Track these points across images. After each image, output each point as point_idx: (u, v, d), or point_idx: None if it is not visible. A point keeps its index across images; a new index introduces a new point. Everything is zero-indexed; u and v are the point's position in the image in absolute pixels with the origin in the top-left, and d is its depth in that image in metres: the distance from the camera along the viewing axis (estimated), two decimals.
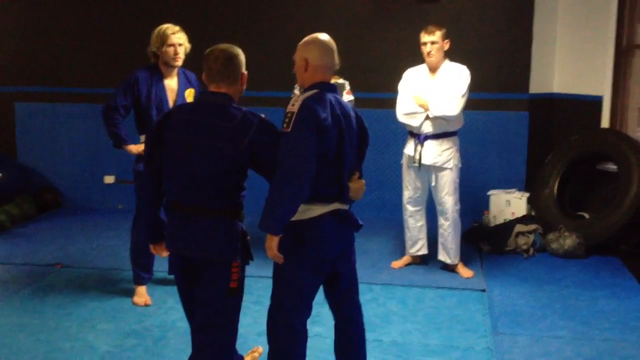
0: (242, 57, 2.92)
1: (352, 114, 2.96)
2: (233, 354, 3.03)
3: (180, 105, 3.17)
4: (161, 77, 4.41)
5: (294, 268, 2.84)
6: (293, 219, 2.77)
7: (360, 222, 3.01)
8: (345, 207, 2.94)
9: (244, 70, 2.92)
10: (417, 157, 4.88)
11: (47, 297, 4.60)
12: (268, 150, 2.76)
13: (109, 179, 7.15)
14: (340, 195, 2.87)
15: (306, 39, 2.95)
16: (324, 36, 2.96)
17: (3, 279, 4.98)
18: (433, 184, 4.97)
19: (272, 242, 2.74)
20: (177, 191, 2.84)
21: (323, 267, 2.91)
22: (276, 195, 2.68)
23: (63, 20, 7.08)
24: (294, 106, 2.75)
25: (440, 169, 4.90)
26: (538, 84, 6.51)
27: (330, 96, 2.84)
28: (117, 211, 7.01)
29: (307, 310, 2.93)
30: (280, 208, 2.68)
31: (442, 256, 5.12)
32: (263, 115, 2.85)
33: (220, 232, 2.81)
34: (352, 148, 2.93)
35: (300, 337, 2.91)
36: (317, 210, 2.82)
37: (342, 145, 2.83)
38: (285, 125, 2.73)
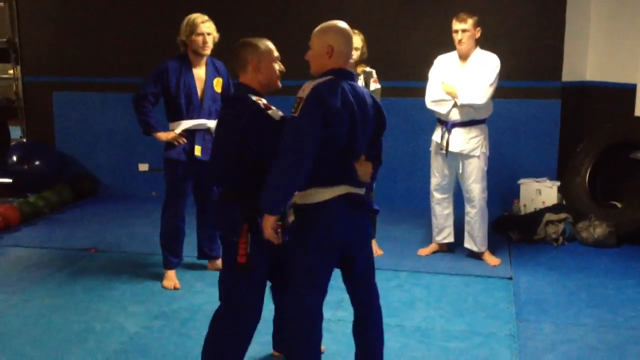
0: (251, 47, 3.02)
1: (369, 101, 2.98)
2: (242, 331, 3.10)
3: None
4: (190, 66, 4.49)
5: (303, 252, 2.89)
6: (301, 202, 2.83)
7: (376, 207, 3.04)
8: (358, 191, 2.95)
9: (251, 59, 3.00)
10: (445, 144, 4.89)
11: (80, 280, 4.75)
12: (258, 138, 2.86)
13: (143, 167, 7.30)
14: (347, 177, 2.89)
15: (325, 25, 2.95)
16: (343, 24, 2.97)
17: (39, 262, 5.15)
18: (460, 171, 4.97)
19: (268, 222, 2.79)
20: (211, 175, 3.08)
21: (333, 252, 2.93)
22: (275, 174, 2.73)
23: (98, 12, 7.24)
24: (304, 92, 2.78)
25: (468, 156, 4.90)
26: (571, 72, 6.43)
27: (344, 83, 2.87)
28: (150, 198, 7.15)
29: (319, 293, 2.95)
30: (278, 187, 2.75)
31: (469, 244, 5.12)
32: (273, 111, 2.94)
33: (225, 211, 2.97)
34: (366, 134, 2.96)
35: (313, 320, 2.93)
36: (325, 194, 2.85)
37: (354, 131, 2.86)
38: (293, 111, 2.77)
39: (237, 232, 2.90)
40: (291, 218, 2.89)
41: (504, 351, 3.65)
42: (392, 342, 3.62)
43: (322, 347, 3.14)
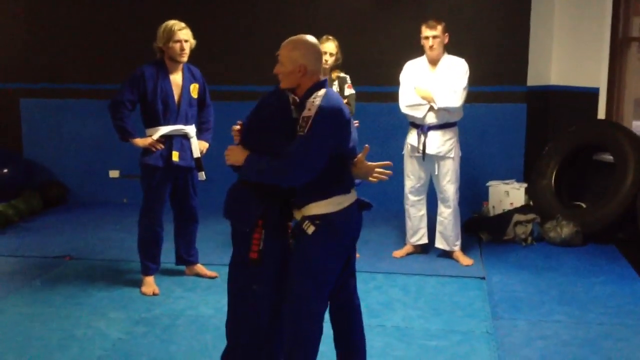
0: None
1: None
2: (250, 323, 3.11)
3: None
4: (167, 72, 4.51)
5: (324, 260, 2.92)
6: (328, 212, 2.88)
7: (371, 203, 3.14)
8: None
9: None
10: (421, 147, 5.00)
11: (57, 288, 4.72)
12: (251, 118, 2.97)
13: (114, 174, 7.28)
14: (353, 182, 3.02)
15: (295, 42, 2.94)
16: (312, 38, 2.98)
17: (13, 270, 5.10)
18: (436, 172, 5.09)
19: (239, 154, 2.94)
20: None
21: (346, 254, 3.03)
22: (268, 165, 2.82)
23: (68, 17, 7.19)
24: (310, 111, 2.80)
25: (443, 158, 5.03)
26: (535, 77, 6.62)
27: (332, 91, 2.95)
28: (122, 205, 7.14)
29: (327, 300, 3.04)
30: (261, 175, 2.86)
31: (440, 244, 5.25)
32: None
33: (240, 201, 2.99)
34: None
35: (321, 327, 3.00)
36: (348, 200, 2.95)
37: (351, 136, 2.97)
38: (301, 130, 2.79)
39: (251, 224, 2.93)
40: (311, 229, 2.88)
41: (482, 348, 3.76)
42: (374, 342, 3.69)
43: None
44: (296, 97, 2.95)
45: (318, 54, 2.97)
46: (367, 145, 3.04)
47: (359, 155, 3.04)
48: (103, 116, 6.97)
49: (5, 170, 7.03)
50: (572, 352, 3.70)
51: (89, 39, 7.15)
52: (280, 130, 2.92)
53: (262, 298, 3.07)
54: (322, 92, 2.88)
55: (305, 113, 2.82)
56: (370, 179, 3.05)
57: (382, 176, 3.05)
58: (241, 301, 3.09)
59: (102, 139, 7.14)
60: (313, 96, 2.86)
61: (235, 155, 2.96)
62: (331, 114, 2.83)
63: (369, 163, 3.03)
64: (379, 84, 6.51)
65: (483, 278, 4.91)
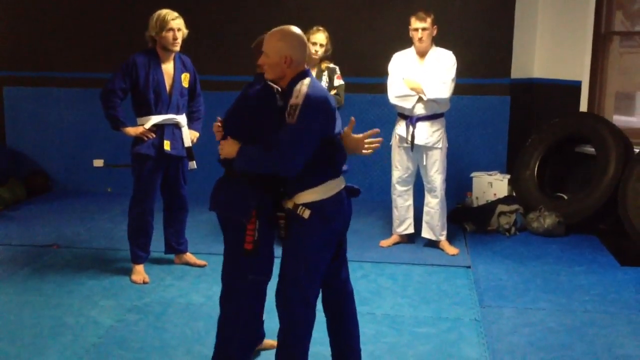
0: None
1: None
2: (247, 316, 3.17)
3: None
4: (159, 61, 4.52)
5: (316, 246, 2.97)
6: (320, 198, 2.92)
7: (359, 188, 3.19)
8: None
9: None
10: (410, 138, 5.06)
11: (47, 276, 4.71)
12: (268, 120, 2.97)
13: (98, 163, 7.23)
14: (342, 166, 3.07)
15: (279, 33, 2.95)
16: (296, 29, 3.00)
17: (1, 259, 5.08)
18: (424, 163, 5.15)
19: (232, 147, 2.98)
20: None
21: (336, 241, 3.07)
22: (264, 159, 2.87)
23: (53, 3, 7.12)
24: (297, 98, 2.83)
25: (431, 148, 5.10)
26: (519, 70, 6.71)
27: (315, 80, 3.01)
28: (106, 194, 7.13)
29: (320, 286, 3.09)
30: (255, 166, 2.91)
31: (427, 233, 5.32)
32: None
33: (234, 193, 3.01)
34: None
35: (314, 313, 3.05)
36: (338, 186, 2.99)
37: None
38: (289, 118, 2.82)
39: (249, 215, 2.96)
40: (306, 213, 2.92)
41: (471, 334, 3.84)
42: (365, 329, 3.74)
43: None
44: (279, 88, 3.01)
45: (303, 44, 2.99)
46: (352, 117, 3.09)
47: (345, 129, 3.08)
48: (87, 105, 7.05)
49: None
50: (558, 339, 3.79)
51: (74, 26, 7.09)
52: (267, 120, 2.97)
53: (258, 287, 3.15)
54: (307, 80, 2.91)
55: (293, 101, 2.85)
56: (363, 151, 3.08)
57: (374, 145, 3.09)
58: (239, 292, 3.13)
59: (87, 128, 7.11)
60: (299, 84, 2.89)
61: (228, 147, 3.00)
62: (318, 102, 2.87)
63: (356, 135, 3.07)
64: (367, 75, 6.55)
65: (469, 267, 4.99)
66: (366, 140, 3.06)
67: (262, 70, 3.03)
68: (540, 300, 4.38)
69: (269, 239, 3.12)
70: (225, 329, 3.19)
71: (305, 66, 3.01)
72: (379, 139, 3.11)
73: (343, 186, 3.05)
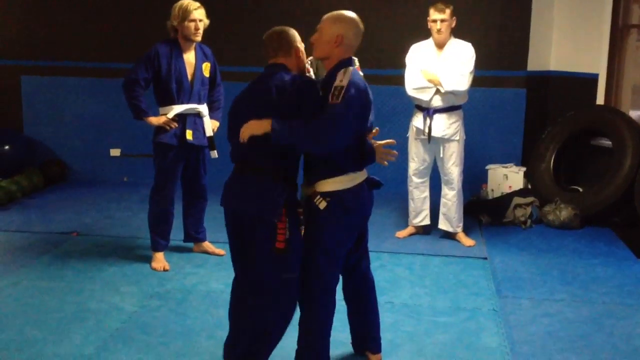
0: (295, 35, 3.10)
1: None
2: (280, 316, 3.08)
3: None
4: (180, 51, 4.55)
5: (336, 235, 3.01)
6: (340, 188, 2.95)
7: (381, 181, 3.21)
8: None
9: (297, 45, 3.08)
10: (427, 130, 5.08)
11: (68, 263, 4.77)
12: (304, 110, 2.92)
13: (115, 152, 7.29)
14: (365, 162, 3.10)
15: (341, 15, 3.02)
16: (355, 15, 3.05)
17: (22, 245, 5.14)
18: (441, 155, 5.17)
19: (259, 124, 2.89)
20: (234, 150, 3.08)
21: (358, 231, 3.12)
22: (308, 129, 2.83)
23: None
24: (342, 82, 2.87)
25: (449, 140, 5.11)
26: (535, 62, 6.71)
27: (357, 71, 3.04)
28: (123, 183, 7.18)
29: (339, 274, 3.15)
30: (293, 135, 2.84)
31: (444, 225, 5.35)
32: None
33: (261, 191, 2.94)
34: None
35: (334, 300, 3.11)
36: (359, 178, 3.03)
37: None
38: (333, 98, 2.84)
39: (278, 213, 2.88)
40: (323, 204, 2.95)
41: (490, 324, 3.87)
42: (384, 317, 3.75)
43: None
44: (310, 69, 3.05)
45: (358, 30, 3.04)
46: (377, 127, 3.14)
47: (368, 135, 3.11)
48: (104, 94, 7.10)
49: (7, 147, 7.02)
50: (577, 329, 3.82)
51: (92, 15, 7.14)
52: (308, 109, 2.93)
53: (293, 285, 3.03)
54: (351, 68, 2.96)
55: (337, 83, 2.89)
56: (379, 160, 3.12)
57: (389, 157, 3.14)
58: (274, 293, 3.01)
59: (104, 118, 7.17)
60: (342, 70, 2.94)
61: (255, 126, 2.90)
62: (360, 90, 2.92)
63: (376, 142, 3.11)
64: (385, 67, 6.57)
65: (485, 258, 5.02)
66: (382, 150, 3.11)
67: (277, 60, 3.05)
68: (558, 291, 4.41)
69: (298, 235, 3.03)
70: (279, 326, 3.10)
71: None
72: (395, 152, 3.16)
73: (364, 178, 3.08)
